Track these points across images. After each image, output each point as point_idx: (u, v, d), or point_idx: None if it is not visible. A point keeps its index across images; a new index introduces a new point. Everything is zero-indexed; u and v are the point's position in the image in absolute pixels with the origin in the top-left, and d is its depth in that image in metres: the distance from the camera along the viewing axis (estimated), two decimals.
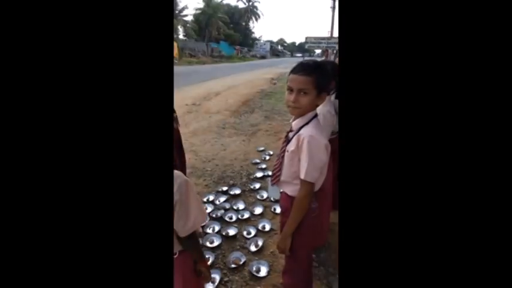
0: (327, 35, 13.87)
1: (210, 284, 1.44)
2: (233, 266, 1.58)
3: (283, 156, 0.97)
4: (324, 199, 1.00)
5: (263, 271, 1.55)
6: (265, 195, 2.34)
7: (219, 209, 2.11)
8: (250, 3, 41.07)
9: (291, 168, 0.93)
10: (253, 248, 1.73)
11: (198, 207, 0.81)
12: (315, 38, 12.36)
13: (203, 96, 6.74)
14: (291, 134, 0.96)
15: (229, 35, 33.54)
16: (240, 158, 3.18)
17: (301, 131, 0.89)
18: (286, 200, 1.02)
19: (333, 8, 14.10)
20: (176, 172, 0.77)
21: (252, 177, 2.70)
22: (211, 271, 1.45)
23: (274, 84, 9.74)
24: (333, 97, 1.54)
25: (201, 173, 2.77)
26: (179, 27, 24.83)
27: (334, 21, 14.09)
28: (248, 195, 2.39)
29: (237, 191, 2.39)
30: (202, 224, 0.82)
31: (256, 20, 42.46)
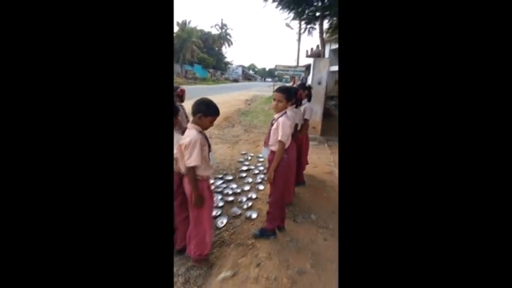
0: (294, 63, 15.77)
1: (219, 223, 2.26)
2: (233, 215, 2.43)
3: (269, 132, 1.93)
4: (289, 155, 1.94)
5: (254, 216, 2.42)
6: (251, 180, 3.23)
7: (218, 188, 2.94)
8: (223, 30, 43.58)
9: (274, 137, 1.89)
10: (245, 207, 2.59)
11: (199, 155, 1.40)
12: (284, 66, 14.03)
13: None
14: (273, 121, 1.93)
15: (203, 58, 34.81)
16: (227, 158, 4.05)
17: (279, 119, 1.87)
18: (271, 155, 1.97)
19: (298, 40, 16.19)
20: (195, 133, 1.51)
21: (239, 170, 3.57)
22: (221, 218, 2.32)
23: (249, 104, 10.90)
24: (293, 107, 2.58)
25: None
26: None
27: (299, 51, 16.13)
28: (238, 180, 3.26)
29: (230, 177, 3.25)
30: (194, 165, 1.42)
31: (229, 45, 44.86)
